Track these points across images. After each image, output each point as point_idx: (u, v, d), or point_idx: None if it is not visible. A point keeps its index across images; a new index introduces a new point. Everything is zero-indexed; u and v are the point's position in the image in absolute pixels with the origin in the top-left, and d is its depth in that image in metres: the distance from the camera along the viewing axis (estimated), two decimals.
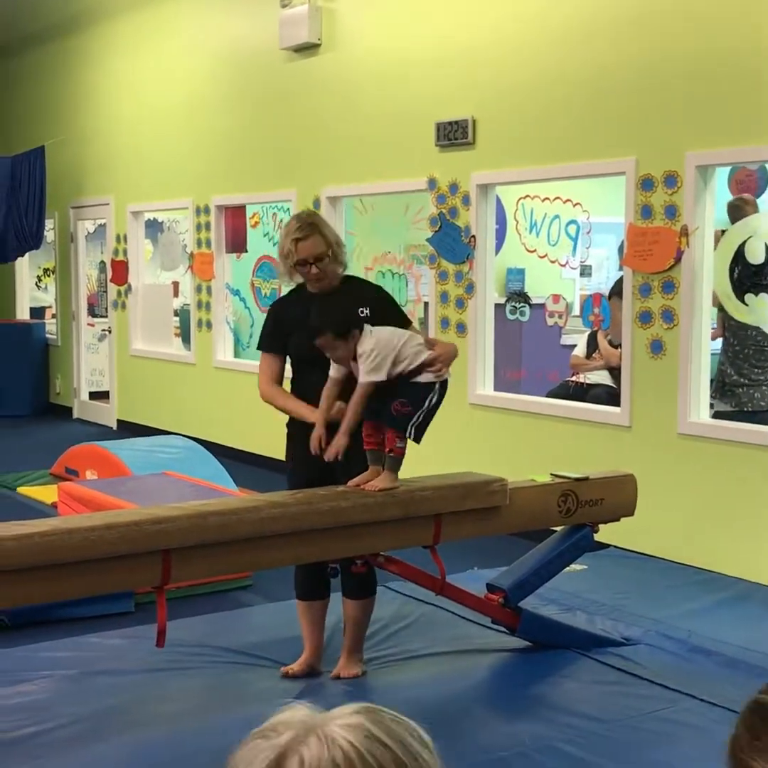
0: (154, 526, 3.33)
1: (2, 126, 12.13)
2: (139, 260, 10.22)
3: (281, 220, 8.98)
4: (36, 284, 13.14)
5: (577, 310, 7.68)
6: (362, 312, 3.91)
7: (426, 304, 7.28)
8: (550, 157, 6.16)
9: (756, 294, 5.60)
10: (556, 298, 6.81)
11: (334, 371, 3.79)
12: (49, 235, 11.63)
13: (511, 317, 7.17)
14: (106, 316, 11.02)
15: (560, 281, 8.23)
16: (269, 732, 0.96)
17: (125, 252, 10.26)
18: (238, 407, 8.62)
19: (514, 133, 6.34)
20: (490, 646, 4.37)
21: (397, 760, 0.94)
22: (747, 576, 5.25)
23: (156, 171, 9.66)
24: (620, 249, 6.47)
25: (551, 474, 4.30)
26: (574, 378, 6.87)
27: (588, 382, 6.76)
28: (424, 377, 3.76)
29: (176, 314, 10.46)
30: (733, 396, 5.97)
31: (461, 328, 6.74)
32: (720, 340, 6.10)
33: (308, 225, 3.97)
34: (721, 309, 5.87)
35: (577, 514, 4.22)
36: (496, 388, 6.79)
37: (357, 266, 7.52)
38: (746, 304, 5.65)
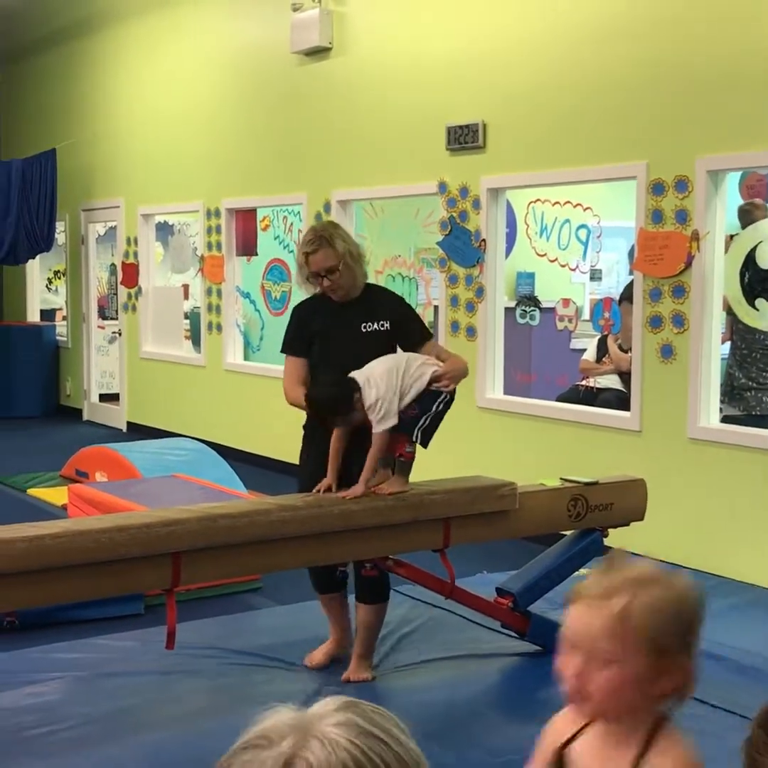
0: (164, 529, 3.34)
1: (14, 128, 12.18)
2: (149, 263, 10.24)
3: (291, 224, 9.01)
4: (47, 286, 13.16)
5: (587, 315, 7.67)
6: (382, 326, 3.92)
7: (436, 307, 7.28)
8: (560, 161, 6.16)
9: (767, 298, 5.60)
10: (566, 302, 6.82)
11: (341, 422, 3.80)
12: (60, 237, 11.66)
13: (521, 321, 7.18)
14: (117, 319, 11.03)
15: (570, 285, 8.22)
16: (261, 740, 0.94)
17: (136, 254, 10.28)
18: (247, 410, 8.64)
19: (524, 137, 6.34)
20: (500, 650, 4.37)
21: (394, 753, 0.95)
22: (758, 581, 5.24)
23: (166, 174, 9.68)
24: (631, 253, 6.47)
25: (561, 478, 4.30)
26: (583, 382, 6.87)
27: (598, 386, 6.76)
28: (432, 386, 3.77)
29: (186, 317, 10.48)
30: (741, 400, 5.96)
31: (471, 331, 6.74)
32: (727, 343, 6.10)
33: (319, 238, 3.96)
34: (729, 312, 5.87)
35: (587, 519, 4.22)
36: (506, 391, 6.78)
37: (367, 270, 7.51)
38: (757, 309, 5.64)
